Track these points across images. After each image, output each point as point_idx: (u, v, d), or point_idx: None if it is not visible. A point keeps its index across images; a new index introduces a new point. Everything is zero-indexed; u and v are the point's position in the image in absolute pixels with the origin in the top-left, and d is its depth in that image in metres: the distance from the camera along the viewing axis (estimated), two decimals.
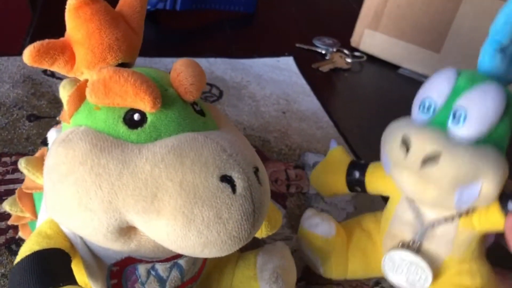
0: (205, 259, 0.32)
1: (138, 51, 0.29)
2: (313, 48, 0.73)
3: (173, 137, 0.24)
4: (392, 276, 0.35)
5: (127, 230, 0.24)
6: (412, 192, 0.32)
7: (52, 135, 0.28)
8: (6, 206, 0.30)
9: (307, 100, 0.61)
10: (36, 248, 0.25)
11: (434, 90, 0.32)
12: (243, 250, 0.38)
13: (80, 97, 0.25)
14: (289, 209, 0.45)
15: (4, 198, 0.40)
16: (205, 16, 0.77)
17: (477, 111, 0.29)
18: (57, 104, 0.52)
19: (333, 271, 0.38)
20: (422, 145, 0.30)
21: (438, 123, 0.31)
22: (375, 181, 0.38)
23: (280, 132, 0.55)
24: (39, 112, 0.50)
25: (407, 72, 0.68)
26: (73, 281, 0.24)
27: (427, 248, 0.34)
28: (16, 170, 0.43)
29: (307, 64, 0.69)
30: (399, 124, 0.33)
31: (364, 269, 0.38)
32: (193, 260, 0.30)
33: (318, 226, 0.38)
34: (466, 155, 0.29)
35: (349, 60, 0.70)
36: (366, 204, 0.47)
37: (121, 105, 0.24)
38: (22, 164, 0.28)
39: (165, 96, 0.25)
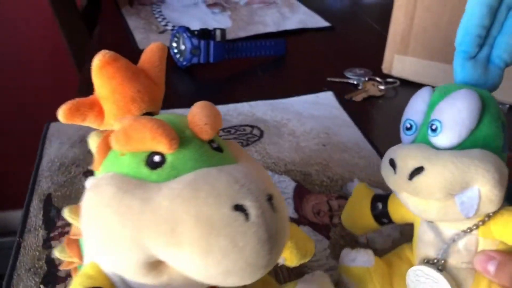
0: None
1: (161, 101, 0.32)
2: (345, 80, 0.74)
3: (189, 173, 0.26)
4: None
5: (156, 265, 0.26)
6: (418, 210, 0.32)
7: (88, 183, 0.30)
8: (56, 253, 0.33)
9: (348, 131, 0.62)
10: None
11: (412, 111, 0.33)
12: (288, 280, 0.39)
13: (106, 146, 0.28)
14: (333, 240, 0.45)
15: None
16: (239, 64, 0.80)
17: (449, 118, 0.30)
18: None
19: None
20: (404, 161, 0.31)
21: (421, 140, 0.32)
22: (397, 209, 0.38)
23: (321, 165, 0.56)
24: None
25: None
26: None
27: (454, 265, 0.33)
28: None
29: (341, 96, 0.70)
30: (389, 150, 0.34)
31: None
32: None
33: (357, 259, 0.38)
34: (448, 162, 0.29)
35: (382, 87, 0.70)
36: (411, 228, 0.46)
37: (142, 149, 0.26)
38: (65, 212, 0.31)
39: (182, 137, 0.27)
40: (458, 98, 0.30)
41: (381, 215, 0.39)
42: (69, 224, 0.46)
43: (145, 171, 0.26)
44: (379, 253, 0.43)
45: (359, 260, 0.38)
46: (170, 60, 0.78)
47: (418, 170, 0.30)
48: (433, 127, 0.31)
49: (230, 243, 0.24)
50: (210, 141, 0.29)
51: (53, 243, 0.45)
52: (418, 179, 0.30)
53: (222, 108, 0.66)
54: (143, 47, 0.83)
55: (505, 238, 0.31)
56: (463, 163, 0.29)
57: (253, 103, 0.68)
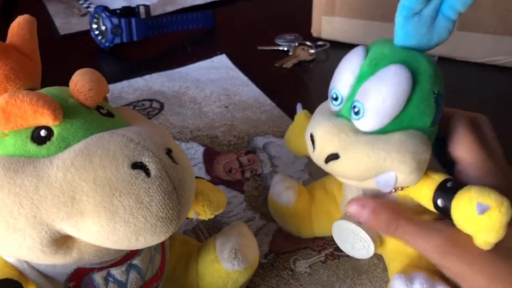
0: (163, 256, 0.33)
1: (39, 75, 0.30)
2: (275, 48, 0.73)
3: (81, 142, 0.25)
4: (340, 244, 0.35)
5: (63, 241, 0.25)
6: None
7: None
8: None
9: (246, 89, 0.63)
10: None
11: (339, 81, 0.31)
12: (208, 237, 0.40)
13: None
14: (247, 193, 0.46)
15: None
16: (166, 40, 0.78)
17: (372, 104, 0.29)
18: None
19: (299, 232, 0.41)
20: (322, 144, 0.31)
21: (345, 114, 0.31)
22: None
23: (226, 125, 0.56)
24: None
25: None
26: None
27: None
28: None
29: (271, 64, 0.69)
30: (315, 114, 0.34)
31: (329, 228, 0.38)
32: (149, 258, 0.31)
33: (280, 195, 0.40)
34: (363, 154, 0.29)
35: (312, 51, 0.70)
36: (320, 171, 0.48)
37: (25, 125, 0.25)
38: None
39: (66, 107, 0.26)
40: (385, 81, 0.28)
41: None
42: None
43: (32, 147, 0.25)
44: None
45: (282, 199, 0.40)
46: (92, 42, 0.73)
47: (333, 156, 0.30)
48: (355, 109, 0.30)
49: (135, 201, 0.23)
50: (99, 108, 0.28)
51: None
52: (333, 165, 0.31)
53: (116, 86, 0.64)
54: (64, 32, 0.80)
55: (420, 200, 0.31)
56: (379, 155, 0.29)
57: (147, 76, 0.66)
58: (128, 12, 0.76)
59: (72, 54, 0.73)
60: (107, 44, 0.71)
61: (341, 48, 0.70)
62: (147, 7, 0.78)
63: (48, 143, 0.25)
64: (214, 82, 0.65)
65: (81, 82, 0.27)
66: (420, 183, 0.31)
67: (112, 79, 0.64)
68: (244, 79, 0.65)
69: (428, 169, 0.30)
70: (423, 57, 0.30)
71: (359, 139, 0.30)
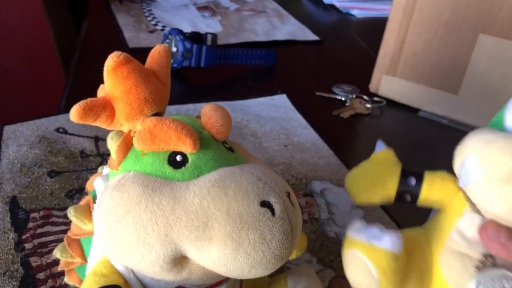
0: (241, 286, 0.35)
1: (167, 102, 0.32)
2: (333, 96, 0.76)
3: (213, 172, 0.27)
4: None
5: (180, 260, 0.27)
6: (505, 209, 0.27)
7: (98, 182, 0.31)
8: (57, 253, 0.33)
9: (304, 132, 0.65)
10: (95, 286, 0.28)
11: None
12: (272, 275, 0.41)
13: (127, 146, 0.28)
14: None
15: (38, 250, 0.43)
16: (228, 70, 0.81)
17: None
18: (74, 158, 0.55)
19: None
20: None
21: None
22: (434, 191, 0.34)
23: (285, 164, 0.58)
24: (58, 167, 0.53)
25: (427, 115, 0.71)
26: None
27: (503, 265, 0.29)
28: (46, 223, 0.46)
29: (329, 111, 0.72)
30: (495, 134, 0.28)
31: None
32: (233, 286, 0.33)
33: (384, 238, 0.30)
34: None
35: (368, 105, 0.73)
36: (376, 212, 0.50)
37: (166, 149, 0.27)
38: (71, 212, 0.31)
39: (200, 138, 0.28)
40: None
41: (408, 191, 0.34)
42: (40, 226, 0.45)
43: (169, 170, 0.27)
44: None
45: (387, 241, 0.30)
46: None
47: None
48: None
49: (259, 236, 0.25)
50: (223, 142, 0.30)
51: (26, 245, 0.43)
52: None
53: (182, 108, 0.66)
54: (133, 46, 0.84)
55: None
56: None
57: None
58: (196, 37, 0.80)
59: None
60: (175, 65, 0.74)
61: (396, 107, 0.74)
62: (214, 36, 0.82)
63: (183, 168, 0.27)
64: (274, 119, 0.67)
65: (214, 117, 0.29)
66: None
67: (176, 100, 0.67)
68: (303, 121, 0.68)
69: None
70: None
71: None
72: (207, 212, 0.25)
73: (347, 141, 0.66)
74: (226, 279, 0.32)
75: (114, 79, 0.29)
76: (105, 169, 0.33)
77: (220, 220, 0.25)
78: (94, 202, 0.31)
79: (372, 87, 0.76)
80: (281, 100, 0.73)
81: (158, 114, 0.31)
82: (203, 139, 0.28)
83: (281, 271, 0.39)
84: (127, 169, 0.28)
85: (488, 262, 0.29)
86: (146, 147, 0.27)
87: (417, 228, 0.35)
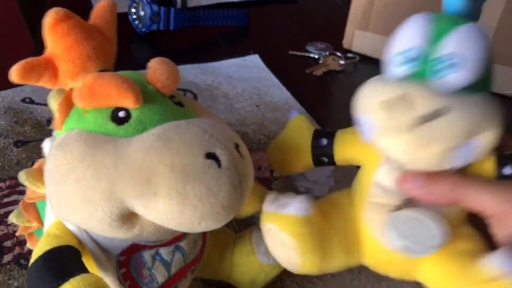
0: (204, 242, 0.35)
1: (114, 58, 0.32)
2: (307, 54, 0.75)
3: (157, 127, 0.27)
4: (396, 242, 0.30)
5: (128, 217, 0.26)
6: (407, 156, 0.28)
7: (46, 145, 0.30)
8: (13, 218, 0.32)
9: (276, 91, 0.65)
10: (47, 247, 0.27)
11: (411, 40, 0.29)
12: (238, 231, 0.41)
13: (68, 104, 0.27)
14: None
15: (5, 220, 0.43)
16: (200, 33, 0.80)
17: (470, 54, 0.26)
18: (41, 127, 0.54)
19: (312, 262, 0.31)
20: (428, 101, 0.27)
21: (423, 76, 0.28)
22: (347, 149, 0.34)
23: (257, 124, 0.58)
24: (25, 137, 0.52)
25: None
26: (85, 271, 0.27)
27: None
28: (12, 193, 0.45)
29: (302, 70, 0.71)
30: (378, 84, 0.30)
31: (345, 251, 0.32)
32: (193, 242, 0.33)
33: (291, 205, 0.31)
34: (475, 105, 0.27)
35: (342, 62, 0.72)
36: (345, 176, 0.50)
37: (107, 105, 0.27)
38: (22, 176, 0.31)
39: (145, 92, 0.27)
40: (477, 33, 0.27)
41: (322, 153, 0.34)
42: (7, 195, 0.45)
43: (111, 126, 0.27)
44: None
45: (294, 206, 0.31)
46: (128, 25, 0.75)
47: (439, 112, 0.26)
48: (452, 61, 0.26)
49: (205, 188, 0.25)
50: (171, 97, 0.29)
51: None
52: (438, 121, 0.26)
53: None
54: None
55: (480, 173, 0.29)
56: (486, 109, 0.27)
57: (181, 67, 0.68)
58: (165, 0, 0.78)
59: None
60: (143, 30, 0.73)
61: (370, 62, 0.73)
62: None
63: (126, 124, 0.27)
64: (246, 80, 0.66)
65: (159, 70, 0.28)
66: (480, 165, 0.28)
67: (145, 65, 0.66)
68: (275, 81, 0.67)
69: None
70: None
71: (459, 96, 0.27)
72: (150, 167, 0.25)
73: (319, 98, 0.65)
74: (184, 235, 0.32)
75: (54, 36, 0.28)
76: (54, 131, 0.32)
77: (163, 174, 0.25)
78: None
79: (346, 43, 0.75)
80: (253, 60, 0.72)
81: (104, 71, 0.31)
82: (147, 94, 0.28)
83: (249, 226, 0.39)
84: (70, 128, 0.27)
85: (403, 206, 0.30)
86: (87, 104, 0.26)
87: (343, 191, 0.34)
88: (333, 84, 0.69)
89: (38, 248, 0.28)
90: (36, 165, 0.32)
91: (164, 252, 0.31)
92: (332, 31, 0.81)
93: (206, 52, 0.76)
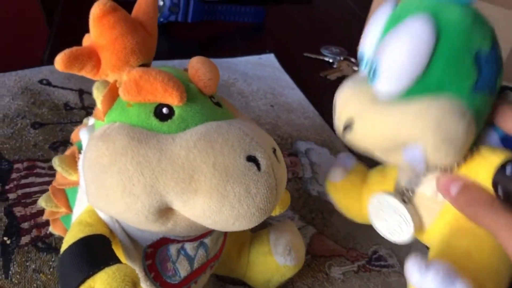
0: (224, 239, 0.35)
1: (154, 53, 0.32)
2: (321, 57, 0.76)
3: (199, 126, 0.27)
4: (374, 220, 0.33)
5: (165, 211, 0.27)
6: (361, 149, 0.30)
7: (84, 133, 0.30)
8: (42, 203, 0.33)
9: (291, 93, 0.65)
10: (80, 235, 0.28)
11: (365, 38, 0.28)
12: (254, 230, 0.42)
13: (112, 96, 0.28)
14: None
15: (22, 201, 0.43)
16: (216, 27, 0.80)
17: (387, 61, 0.25)
18: (58, 111, 0.54)
19: (347, 211, 0.39)
20: (339, 112, 0.29)
21: (370, 79, 0.27)
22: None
23: (271, 124, 0.58)
24: (42, 119, 0.52)
25: None
26: (119, 261, 0.27)
27: (421, 198, 0.31)
28: (30, 174, 0.45)
29: (316, 73, 0.72)
30: (341, 85, 0.31)
31: None
32: (216, 239, 0.33)
33: (330, 171, 0.39)
34: (377, 118, 0.26)
35: (356, 68, 0.73)
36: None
37: (152, 101, 0.27)
38: (56, 162, 0.31)
39: (188, 90, 0.28)
40: (401, 36, 0.24)
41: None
42: (24, 177, 0.45)
43: (155, 122, 0.27)
44: (329, 204, 0.48)
45: (330, 174, 0.39)
46: None
47: (349, 124, 0.28)
48: (372, 69, 0.26)
49: (244, 190, 0.26)
50: (210, 96, 0.30)
51: (9, 195, 0.43)
52: (349, 135, 0.28)
53: (167, 63, 0.65)
54: None
55: (480, 178, 0.27)
56: (395, 122, 0.25)
57: None
58: None
59: None
60: (161, 20, 0.73)
61: None
62: None
63: (169, 120, 0.27)
64: (261, 79, 0.67)
65: (202, 70, 0.29)
66: (476, 164, 0.27)
67: (162, 56, 0.66)
68: (290, 82, 0.67)
69: (482, 147, 0.27)
70: (458, 7, 0.25)
71: (374, 107, 0.26)
72: (193, 165, 0.25)
73: (333, 103, 0.66)
74: (210, 232, 0.32)
75: (100, 28, 0.29)
76: (90, 120, 0.33)
77: (206, 173, 0.25)
78: (80, 152, 0.31)
79: None
80: (269, 59, 0.72)
81: (144, 65, 0.31)
82: (190, 92, 0.28)
83: (264, 227, 0.40)
84: (112, 120, 0.28)
85: (406, 191, 0.31)
86: (132, 98, 0.27)
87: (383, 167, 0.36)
88: None
89: (70, 235, 0.28)
90: (68, 152, 0.33)
91: (189, 247, 0.32)
92: (346, 35, 0.82)
93: (221, 46, 0.76)
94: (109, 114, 0.28)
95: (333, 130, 0.59)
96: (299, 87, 0.67)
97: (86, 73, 0.30)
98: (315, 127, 0.59)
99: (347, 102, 0.28)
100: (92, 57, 0.29)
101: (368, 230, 0.36)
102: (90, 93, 0.57)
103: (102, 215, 0.29)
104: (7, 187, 0.44)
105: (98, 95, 0.28)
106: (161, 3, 0.73)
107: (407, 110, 0.25)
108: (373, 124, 0.26)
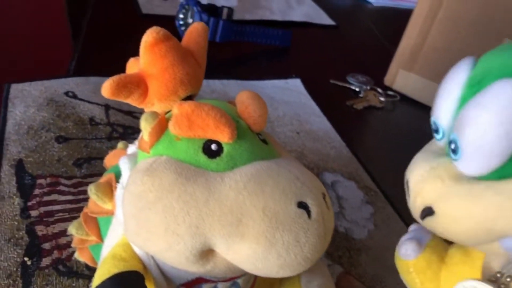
0: (255, 279, 0.34)
1: (201, 84, 0.31)
2: (347, 85, 0.75)
3: (248, 165, 0.26)
4: None
5: (206, 253, 0.26)
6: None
7: (125, 162, 0.29)
8: (73, 230, 0.32)
9: (317, 120, 0.64)
10: (115, 270, 0.27)
11: (439, 106, 0.25)
12: None
13: (161, 129, 0.27)
14: None
15: (44, 219, 0.42)
16: (242, 48, 0.79)
17: (470, 138, 0.21)
18: (83, 125, 0.53)
19: None
20: (414, 196, 0.24)
21: (448, 154, 0.24)
22: None
23: (297, 152, 0.57)
24: (66, 133, 0.51)
25: None
26: None
27: None
28: (52, 191, 0.44)
29: (342, 101, 0.71)
30: (419, 152, 0.27)
31: None
32: (248, 279, 0.32)
33: (400, 250, 0.32)
34: (463, 206, 0.22)
35: (382, 98, 0.72)
36: (384, 221, 0.50)
37: (202, 136, 0.26)
38: (92, 190, 0.30)
39: (237, 127, 0.27)
40: (487, 105, 0.20)
41: None
42: (47, 193, 0.44)
43: (203, 158, 0.26)
44: (356, 242, 0.47)
45: (401, 252, 0.32)
46: (173, 30, 0.74)
47: (428, 211, 0.24)
48: (452, 146, 0.22)
49: (293, 239, 0.24)
50: (258, 133, 0.29)
51: (32, 212, 0.42)
52: (429, 222, 0.24)
53: None
54: (146, 12, 0.81)
55: None
56: (487, 211, 0.21)
57: (224, 81, 0.67)
58: (211, 10, 0.77)
59: None
60: None
61: (410, 103, 0.72)
62: (231, 10, 0.79)
63: (218, 158, 0.26)
64: (287, 104, 0.66)
65: (252, 106, 0.28)
66: None
67: None
68: (316, 109, 0.66)
69: None
70: None
71: (460, 188, 0.22)
72: (242, 208, 0.24)
73: (359, 133, 0.65)
74: (244, 272, 0.31)
75: (152, 56, 0.28)
76: (130, 148, 0.31)
77: (255, 218, 0.24)
78: (117, 181, 0.30)
79: (388, 80, 0.75)
80: (295, 84, 0.71)
81: (190, 96, 0.30)
82: (239, 129, 0.27)
83: None
84: (159, 153, 0.27)
85: (500, 277, 0.26)
86: (182, 133, 0.26)
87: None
88: (372, 120, 0.68)
89: (104, 269, 0.27)
90: (104, 179, 0.31)
91: (221, 286, 0.30)
92: (371, 64, 0.81)
93: (247, 67, 0.75)
94: (155, 146, 0.27)
95: (360, 163, 0.57)
96: (325, 115, 0.66)
97: (132, 100, 0.29)
98: (341, 158, 0.58)
99: (423, 183, 0.24)
100: (140, 86, 0.28)
101: (397, 273, 0.34)
102: (116, 109, 0.56)
103: (137, 250, 0.28)
104: (29, 203, 0.43)
105: (146, 126, 0.27)
106: (190, 20, 0.72)
107: (503, 192, 0.21)
108: (460, 210, 0.22)
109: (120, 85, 0.27)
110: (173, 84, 0.28)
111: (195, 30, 0.31)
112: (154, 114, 0.27)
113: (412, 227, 0.33)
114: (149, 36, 0.27)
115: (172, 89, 0.28)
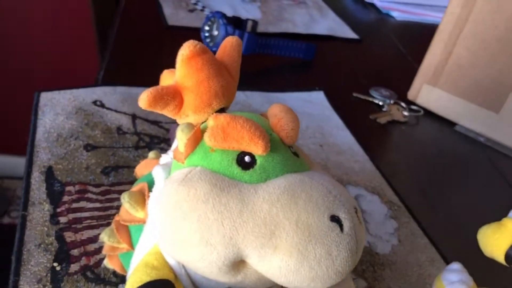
0: None
1: (234, 97, 0.32)
2: (370, 99, 0.75)
3: (281, 178, 0.26)
4: None
5: (238, 264, 0.26)
6: None
7: (159, 171, 0.30)
8: (105, 237, 0.32)
9: (340, 134, 0.64)
10: (147, 279, 0.27)
11: None
12: None
13: (197, 140, 0.27)
14: None
15: (73, 226, 0.42)
16: (266, 60, 0.80)
17: None
18: (110, 134, 0.54)
19: None
20: None
21: None
22: None
23: (321, 165, 0.57)
24: (95, 142, 0.52)
25: (463, 130, 0.70)
26: None
27: None
28: (81, 199, 0.45)
29: (365, 114, 0.71)
30: None
31: None
32: None
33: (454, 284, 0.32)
34: None
35: (406, 113, 0.72)
36: (408, 237, 0.49)
37: (236, 148, 0.27)
38: (125, 198, 0.30)
39: (270, 140, 0.27)
40: None
41: None
42: (76, 200, 0.45)
43: (237, 170, 0.26)
44: (380, 257, 0.46)
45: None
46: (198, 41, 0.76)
47: None
48: None
49: (326, 252, 0.25)
50: (289, 146, 0.29)
51: (61, 219, 0.43)
52: None
53: None
54: (172, 23, 0.83)
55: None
56: None
57: (248, 92, 0.68)
58: (236, 22, 0.78)
59: (177, 49, 0.76)
60: (214, 49, 0.73)
61: (433, 118, 0.72)
62: (255, 23, 0.80)
63: (251, 170, 0.26)
64: (310, 116, 0.66)
65: (285, 119, 0.28)
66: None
67: None
68: (339, 122, 0.67)
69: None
70: None
71: None
72: (275, 220, 0.25)
73: (382, 147, 0.65)
74: (273, 286, 0.31)
75: (188, 69, 0.29)
76: (163, 158, 0.32)
77: (288, 230, 0.24)
78: (150, 190, 0.30)
79: (411, 94, 0.74)
80: (319, 97, 0.71)
81: (223, 108, 0.31)
82: (272, 142, 0.27)
83: None
84: (193, 164, 0.27)
85: None
86: (217, 144, 0.26)
87: None
88: (396, 134, 0.68)
89: (136, 277, 0.28)
90: (136, 188, 0.32)
91: None
92: (395, 78, 0.81)
93: (270, 79, 0.76)
94: (190, 157, 0.27)
95: (384, 177, 0.57)
96: (348, 128, 0.66)
97: (167, 112, 0.29)
98: (365, 172, 0.58)
99: None
100: (176, 97, 0.29)
101: None
102: (143, 119, 0.57)
103: (169, 259, 0.29)
104: (58, 210, 0.43)
105: (182, 137, 0.27)
106: (215, 32, 0.73)
107: None
108: None
109: (157, 97, 0.28)
110: (208, 96, 0.29)
111: (229, 44, 0.31)
112: (190, 125, 0.28)
113: (455, 266, 0.33)
114: (186, 50, 0.28)
115: (207, 102, 0.29)
